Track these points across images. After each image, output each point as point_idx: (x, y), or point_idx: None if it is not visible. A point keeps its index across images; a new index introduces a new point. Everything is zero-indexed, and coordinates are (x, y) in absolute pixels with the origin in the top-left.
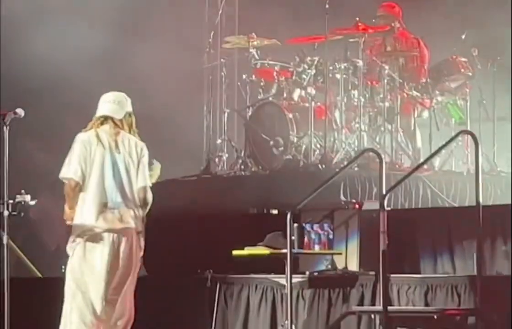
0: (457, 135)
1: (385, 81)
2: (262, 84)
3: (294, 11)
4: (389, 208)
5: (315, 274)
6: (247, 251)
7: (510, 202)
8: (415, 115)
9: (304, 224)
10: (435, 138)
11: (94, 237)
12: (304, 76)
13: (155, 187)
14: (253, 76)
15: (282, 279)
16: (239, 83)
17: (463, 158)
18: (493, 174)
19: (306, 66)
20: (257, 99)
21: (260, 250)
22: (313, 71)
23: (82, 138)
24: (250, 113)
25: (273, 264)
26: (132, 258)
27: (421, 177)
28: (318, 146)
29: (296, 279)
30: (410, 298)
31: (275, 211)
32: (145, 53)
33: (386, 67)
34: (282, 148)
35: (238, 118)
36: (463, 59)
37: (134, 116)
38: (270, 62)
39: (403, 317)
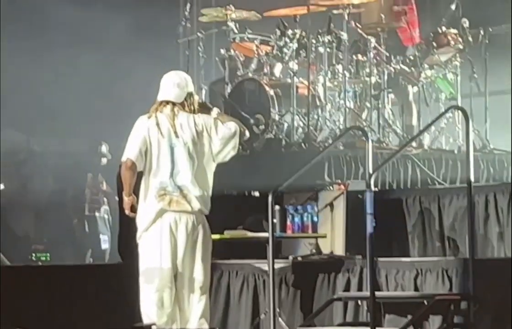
0: (446, 111)
1: (371, 54)
2: (241, 59)
3: None
4: (376, 189)
5: (299, 258)
6: (227, 234)
7: (503, 181)
8: (405, 90)
9: (286, 206)
10: (424, 115)
11: (157, 223)
12: (285, 50)
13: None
14: (232, 51)
15: (264, 265)
16: (216, 58)
17: (454, 135)
18: (486, 151)
19: (287, 40)
20: (236, 75)
21: (241, 233)
22: (295, 45)
23: (142, 123)
24: (229, 90)
25: (255, 249)
26: (195, 240)
27: (410, 155)
28: (301, 124)
29: (279, 264)
30: (399, 283)
31: (256, 193)
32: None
33: (372, 39)
34: (263, 126)
35: (216, 96)
36: (453, 31)
37: (195, 94)
38: (250, 36)
39: (392, 303)
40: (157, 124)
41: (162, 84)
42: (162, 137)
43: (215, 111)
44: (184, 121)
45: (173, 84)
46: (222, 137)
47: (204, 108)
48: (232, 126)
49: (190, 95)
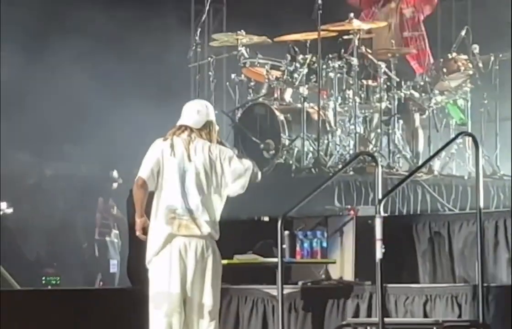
0: (456, 137)
1: (381, 80)
2: (251, 84)
3: (285, 6)
4: (385, 214)
5: (308, 284)
6: (237, 259)
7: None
8: (415, 116)
9: (296, 232)
10: (434, 140)
11: (167, 247)
12: (296, 75)
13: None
14: (242, 76)
15: (273, 290)
16: (227, 83)
17: (464, 161)
18: (496, 177)
19: (298, 65)
20: (246, 99)
21: (251, 258)
22: (306, 70)
23: (157, 145)
24: (239, 115)
25: (264, 274)
26: (205, 265)
27: (420, 181)
28: (311, 149)
29: (288, 289)
30: (408, 309)
31: (266, 218)
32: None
33: (383, 65)
34: (273, 151)
35: (226, 120)
36: (463, 57)
37: (215, 124)
38: (260, 61)
39: None
40: (171, 146)
41: (183, 110)
42: (174, 160)
43: (233, 150)
44: (199, 147)
45: (193, 110)
46: (234, 170)
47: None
48: (246, 163)
49: (210, 123)
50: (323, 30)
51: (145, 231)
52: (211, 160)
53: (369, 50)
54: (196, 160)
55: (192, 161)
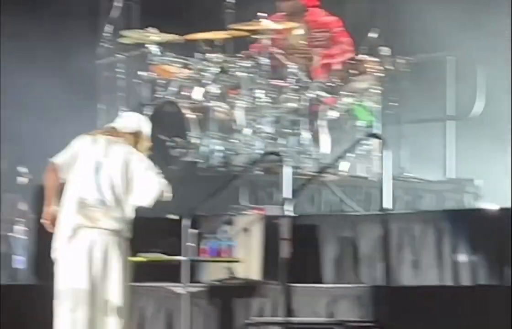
0: (362, 138)
1: (291, 80)
2: (160, 81)
3: (198, 5)
4: (293, 214)
5: (214, 283)
6: (142, 257)
7: (418, 209)
8: (322, 117)
9: (203, 230)
10: (342, 142)
11: (74, 237)
12: (205, 74)
13: None
14: (152, 73)
15: (178, 288)
16: (136, 80)
17: (371, 162)
18: (401, 180)
19: (207, 64)
20: (155, 97)
21: (156, 257)
22: (215, 69)
23: (80, 139)
24: (147, 112)
25: (169, 272)
26: (113, 262)
27: (326, 182)
28: (220, 148)
29: (193, 288)
30: (313, 309)
31: (173, 216)
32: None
33: (292, 65)
34: (181, 149)
35: None
36: (373, 59)
37: (146, 138)
38: (170, 59)
39: None
40: (93, 141)
41: (119, 115)
42: (92, 154)
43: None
44: (120, 149)
45: (126, 116)
46: (143, 182)
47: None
48: (154, 190)
49: (139, 133)
50: (233, 29)
51: (53, 222)
52: (127, 164)
53: (280, 50)
54: (114, 159)
55: (109, 158)
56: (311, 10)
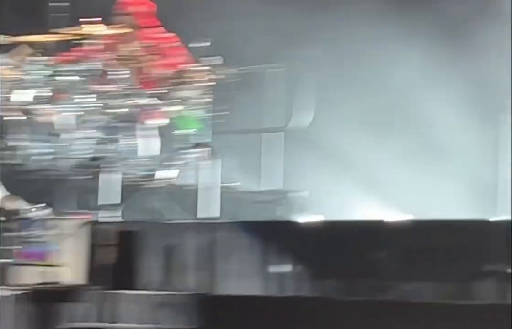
0: (189, 146)
1: (120, 85)
2: None
3: (20, 6)
4: (119, 220)
5: (33, 286)
6: None
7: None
8: (152, 123)
9: (20, 233)
10: (170, 149)
11: None
12: (29, 77)
13: None
14: None
15: None
16: None
17: (199, 170)
18: (230, 188)
19: (32, 67)
20: None
21: None
22: (41, 72)
23: None
24: None
25: None
26: None
27: (155, 188)
28: (43, 152)
29: (9, 292)
30: (138, 316)
31: None
32: None
33: (124, 71)
34: None
35: None
36: (204, 67)
37: None
38: None
39: None
40: None
41: None
42: None
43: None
44: None
45: None
46: None
47: None
48: None
49: None
50: (57, 33)
51: None
52: None
53: (113, 55)
54: None
55: None
56: (145, 30)
